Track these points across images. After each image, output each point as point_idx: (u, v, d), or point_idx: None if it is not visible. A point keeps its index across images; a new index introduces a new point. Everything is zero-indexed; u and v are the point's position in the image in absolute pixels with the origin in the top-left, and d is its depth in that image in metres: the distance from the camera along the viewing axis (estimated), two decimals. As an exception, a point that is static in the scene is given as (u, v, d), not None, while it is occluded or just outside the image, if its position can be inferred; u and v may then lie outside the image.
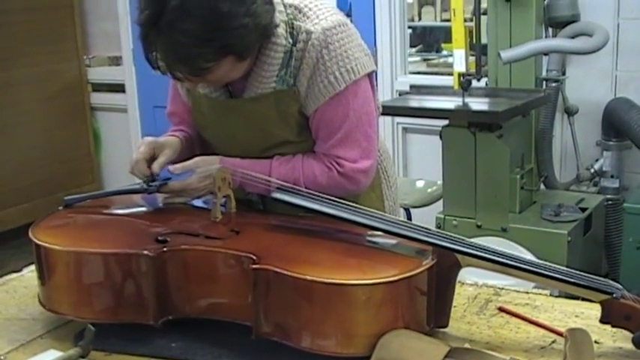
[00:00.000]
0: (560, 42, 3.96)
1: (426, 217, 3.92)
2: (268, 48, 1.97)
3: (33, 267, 1.89)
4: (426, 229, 1.74)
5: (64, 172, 6.23)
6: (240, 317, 1.66)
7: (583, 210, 3.86)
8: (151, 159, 2.03)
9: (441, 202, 4.04)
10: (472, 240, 1.72)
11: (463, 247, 1.66)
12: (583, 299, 1.75)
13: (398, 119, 5.08)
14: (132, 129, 6.22)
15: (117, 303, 1.71)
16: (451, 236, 1.71)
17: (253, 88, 2.02)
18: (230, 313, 1.69)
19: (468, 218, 3.81)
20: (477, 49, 3.86)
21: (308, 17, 2.00)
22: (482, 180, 3.73)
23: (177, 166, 2.01)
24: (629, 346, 1.62)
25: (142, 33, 1.85)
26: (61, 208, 2.00)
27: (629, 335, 1.61)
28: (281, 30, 1.97)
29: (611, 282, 1.64)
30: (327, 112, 2.01)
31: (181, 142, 2.12)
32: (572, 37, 4.00)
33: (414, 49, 6.42)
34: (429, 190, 4.37)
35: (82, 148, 6.44)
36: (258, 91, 2.01)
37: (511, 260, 1.65)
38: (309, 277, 1.54)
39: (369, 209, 1.83)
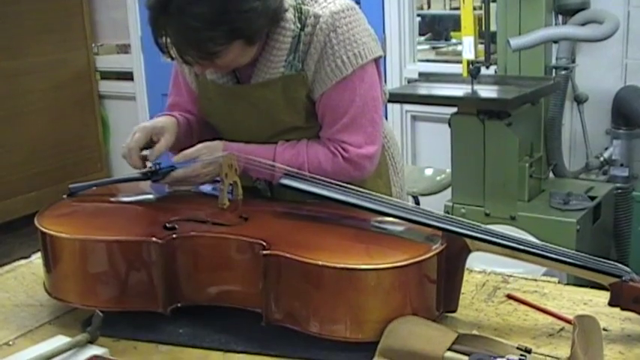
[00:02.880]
0: (569, 29, 3.94)
1: (434, 205, 3.87)
2: (277, 33, 1.97)
3: (41, 254, 1.89)
4: (435, 214, 1.74)
5: (73, 161, 6.24)
6: (250, 304, 1.67)
7: (592, 199, 3.85)
8: (147, 146, 2.02)
9: (449, 190, 4.03)
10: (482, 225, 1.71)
11: (472, 231, 1.66)
12: (591, 287, 1.75)
13: (407, 107, 5.07)
14: (140, 117, 6.22)
15: (125, 291, 1.71)
16: (460, 221, 1.72)
17: (261, 74, 2.01)
18: (240, 299, 1.69)
19: (477, 206, 3.81)
20: (486, 36, 3.85)
21: (316, 1, 2.00)
22: (491, 168, 3.72)
23: (180, 155, 1.99)
24: (637, 332, 1.64)
25: (152, 17, 1.86)
26: (65, 196, 2.00)
27: (638, 322, 1.61)
28: (289, 15, 1.97)
29: (620, 265, 1.64)
30: (334, 97, 2.00)
31: (179, 123, 2.11)
32: (582, 25, 3.98)
33: (423, 38, 6.40)
34: (438, 178, 4.37)
35: (90, 136, 6.45)
36: (267, 77, 2.01)
37: (520, 244, 1.65)
38: (319, 263, 1.54)
39: (378, 195, 1.83)
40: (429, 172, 4.51)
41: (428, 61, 5.51)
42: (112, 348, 1.64)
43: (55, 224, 1.79)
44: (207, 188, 2.07)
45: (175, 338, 1.69)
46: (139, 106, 6.28)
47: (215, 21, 1.80)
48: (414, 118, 5.13)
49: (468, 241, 1.65)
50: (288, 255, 1.58)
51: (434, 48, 6.32)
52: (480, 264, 2.01)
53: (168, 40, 1.87)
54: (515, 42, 3.74)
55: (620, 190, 4.16)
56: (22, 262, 2.16)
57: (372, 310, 1.55)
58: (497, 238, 1.65)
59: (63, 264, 1.75)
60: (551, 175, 4.20)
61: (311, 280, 1.56)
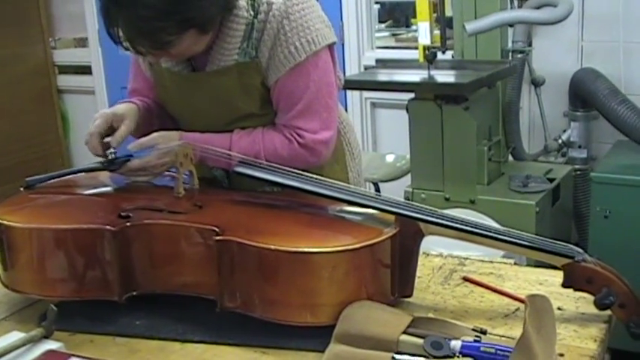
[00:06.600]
0: (524, 13, 3.96)
1: (395, 191, 3.91)
2: (230, 20, 1.97)
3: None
4: (390, 199, 1.75)
5: (33, 157, 6.18)
6: (204, 291, 1.67)
7: (551, 180, 3.87)
8: (108, 132, 2.01)
9: (410, 175, 4.03)
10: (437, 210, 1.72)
11: (426, 215, 1.67)
12: (547, 267, 1.77)
13: (366, 94, 5.08)
14: (100, 111, 6.15)
15: (80, 280, 1.71)
16: (414, 206, 1.73)
17: (216, 61, 2.01)
18: (194, 287, 1.69)
19: (436, 191, 3.81)
20: (442, 21, 3.85)
21: None
22: (450, 152, 3.73)
23: (135, 143, 1.99)
24: (591, 311, 1.65)
25: (103, 7, 1.85)
26: (22, 189, 1.98)
27: (591, 300, 1.63)
28: (242, 2, 1.97)
29: (572, 246, 1.66)
30: (288, 83, 2.01)
31: (139, 109, 2.10)
32: (537, 8, 4.00)
33: (383, 25, 6.40)
34: (399, 164, 4.37)
35: (50, 131, 6.40)
36: (221, 64, 2.01)
37: (472, 227, 1.66)
38: (272, 247, 1.55)
39: (332, 181, 1.84)
40: (389, 158, 4.51)
41: (387, 47, 5.50)
42: (69, 342, 1.63)
43: (9, 215, 1.78)
44: (162, 181, 2.06)
45: (132, 330, 1.69)
46: (98, 100, 6.23)
47: (167, 11, 1.79)
48: (374, 105, 5.14)
49: (421, 225, 1.66)
50: (240, 240, 1.58)
51: (394, 35, 6.32)
52: (440, 248, 2.02)
53: (120, 30, 1.86)
54: (471, 26, 3.75)
55: (578, 172, 4.19)
56: (-23, 259, 2.14)
57: (326, 293, 1.56)
58: (449, 221, 1.66)
59: (18, 254, 1.74)
60: (510, 158, 4.22)
61: (264, 265, 1.57)
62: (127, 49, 1.91)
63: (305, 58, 1.99)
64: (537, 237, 1.68)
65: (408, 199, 3.82)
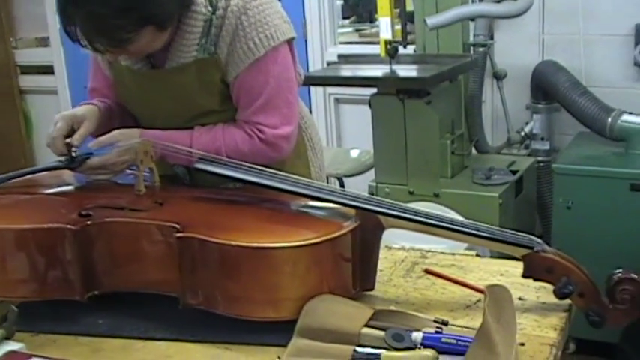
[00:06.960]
0: (484, 7, 3.98)
1: (359, 186, 3.93)
2: (188, 17, 1.97)
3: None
4: (350, 193, 1.75)
5: (-4, 158, 6.14)
6: (166, 289, 1.67)
7: (514, 173, 3.89)
8: (70, 134, 2.00)
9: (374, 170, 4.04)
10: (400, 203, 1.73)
11: (386, 209, 1.68)
12: (508, 258, 1.78)
13: (330, 90, 5.08)
14: (63, 110, 6.11)
15: (42, 280, 1.70)
16: (375, 199, 1.73)
17: (175, 58, 2.01)
18: (157, 285, 1.69)
19: (400, 185, 3.82)
20: (403, 16, 3.86)
21: None
22: (413, 146, 3.74)
23: (95, 142, 1.99)
24: (552, 300, 1.67)
25: (60, 6, 1.85)
26: (-19, 190, 1.97)
27: (551, 290, 1.64)
28: None
29: (531, 237, 1.67)
30: (247, 79, 2.01)
31: (100, 110, 2.10)
32: (497, 2, 4.02)
33: (347, 21, 6.41)
34: (363, 159, 4.38)
35: (13, 132, 6.35)
36: (180, 61, 2.01)
37: (431, 219, 1.67)
38: (233, 243, 1.55)
39: (292, 176, 1.84)
40: (354, 153, 4.53)
41: (350, 43, 5.51)
42: (31, 342, 1.62)
43: None
44: (125, 179, 2.06)
45: (95, 329, 1.68)
46: (61, 99, 6.19)
47: (124, 8, 1.79)
48: (338, 100, 5.15)
49: (381, 218, 1.67)
50: (201, 237, 1.58)
51: (357, 30, 6.33)
52: (402, 241, 2.03)
53: (78, 29, 1.85)
54: (432, 21, 3.77)
55: (541, 164, 4.23)
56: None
57: (287, 288, 1.56)
58: (409, 214, 1.67)
59: (-22, 256, 1.73)
60: (473, 151, 4.24)
61: (225, 261, 1.57)
62: (85, 47, 1.90)
63: (264, 53, 1.99)
64: (497, 228, 1.69)
65: (373, 194, 3.82)
